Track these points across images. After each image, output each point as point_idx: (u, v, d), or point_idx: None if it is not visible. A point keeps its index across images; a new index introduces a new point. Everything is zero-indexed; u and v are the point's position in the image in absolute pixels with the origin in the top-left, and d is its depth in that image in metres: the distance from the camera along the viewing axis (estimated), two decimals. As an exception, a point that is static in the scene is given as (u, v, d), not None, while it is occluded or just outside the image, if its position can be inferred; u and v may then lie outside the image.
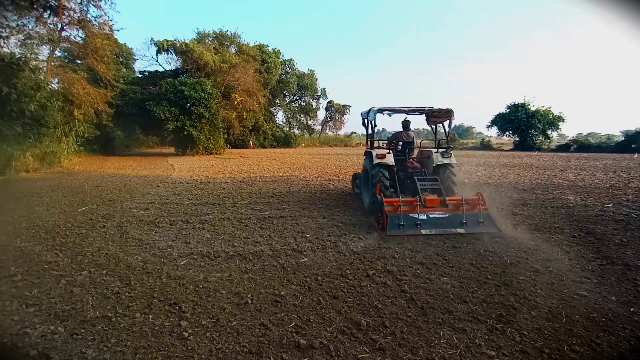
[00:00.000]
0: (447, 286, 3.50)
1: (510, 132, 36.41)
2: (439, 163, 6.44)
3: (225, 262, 4.13)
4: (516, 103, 35.58)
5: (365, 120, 7.53)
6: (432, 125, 7.51)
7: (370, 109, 7.07)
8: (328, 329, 2.76)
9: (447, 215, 5.28)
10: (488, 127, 39.02)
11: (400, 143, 7.17)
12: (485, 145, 38.79)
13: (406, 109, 6.84)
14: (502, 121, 36.40)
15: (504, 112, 36.37)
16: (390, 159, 6.27)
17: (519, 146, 34.64)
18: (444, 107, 6.63)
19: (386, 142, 7.61)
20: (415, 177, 6.03)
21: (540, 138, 34.79)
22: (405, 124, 7.25)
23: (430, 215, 5.24)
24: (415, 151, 7.48)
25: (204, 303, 3.14)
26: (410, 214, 5.23)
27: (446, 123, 7.00)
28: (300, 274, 3.81)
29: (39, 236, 5.05)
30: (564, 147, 31.91)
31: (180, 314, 2.94)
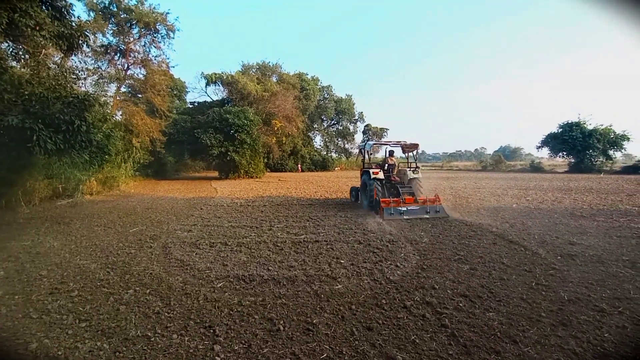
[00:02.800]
0: (493, 323, 3.20)
1: (564, 153, 33.46)
2: (411, 177, 9.83)
3: (259, 286, 4.16)
4: (570, 122, 32.92)
5: (362, 150, 11.30)
6: (406, 154, 10.76)
7: (367, 143, 11.32)
8: (361, 363, 2.62)
9: (418, 207, 8.68)
10: (538, 148, 36.29)
11: (387, 165, 10.50)
12: (535, 168, 35.78)
13: (389, 143, 10.74)
14: (554, 141, 33.72)
15: (556, 131, 33.79)
16: (381, 175, 9.60)
17: (575, 168, 31.64)
18: (415, 141, 10.27)
19: (375, 165, 11.03)
20: (398, 186, 9.64)
21: (601, 159, 31.57)
22: (390, 153, 10.87)
23: (409, 208, 8.61)
24: (395, 170, 10.69)
25: (237, 327, 3.16)
26: (397, 208, 8.51)
27: (414, 152, 10.46)
28: (333, 301, 3.72)
29: (95, 254, 5.51)
30: (632, 169, 28.48)
31: (214, 337, 2.98)
